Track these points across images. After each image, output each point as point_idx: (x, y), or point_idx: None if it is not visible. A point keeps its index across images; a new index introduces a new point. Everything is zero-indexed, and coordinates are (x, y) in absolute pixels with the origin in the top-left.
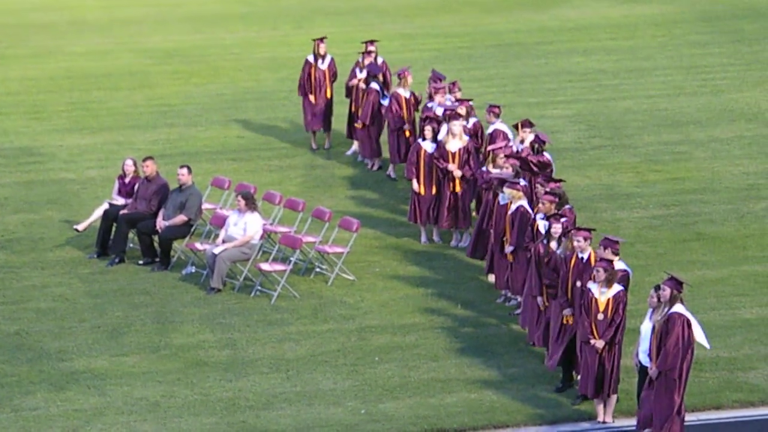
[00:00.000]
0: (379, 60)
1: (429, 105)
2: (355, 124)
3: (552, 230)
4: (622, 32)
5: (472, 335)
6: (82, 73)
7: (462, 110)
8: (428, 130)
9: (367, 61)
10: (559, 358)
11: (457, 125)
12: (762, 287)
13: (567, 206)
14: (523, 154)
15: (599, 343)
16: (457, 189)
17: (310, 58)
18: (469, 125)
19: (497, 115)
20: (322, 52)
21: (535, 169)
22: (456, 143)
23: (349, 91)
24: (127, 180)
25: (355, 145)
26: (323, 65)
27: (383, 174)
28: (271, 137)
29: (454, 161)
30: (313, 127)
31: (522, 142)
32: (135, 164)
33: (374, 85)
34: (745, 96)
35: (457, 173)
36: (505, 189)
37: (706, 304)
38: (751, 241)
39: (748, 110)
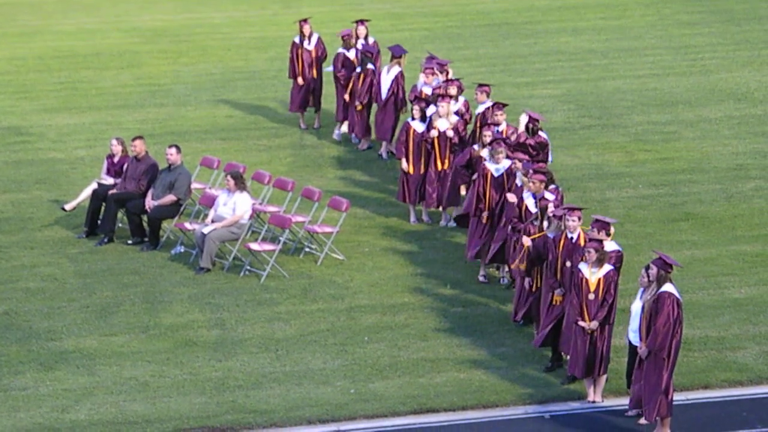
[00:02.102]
0: (371, 40)
1: (417, 85)
2: (356, 106)
3: (548, 210)
4: (611, 12)
5: (461, 315)
6: (70, 53)
7: (453, 90)
8: (417, 110)
9: (358, 41)
10: (547, 338)
11: (444, 105)
12: (750, 267)
13: (552, 186)
14: (521, 139)
15: (592, 325)
16: (444, 166)
17: (297, 40)
18: (460, 105)
19: (488, 95)
20: (306, 32)
21: (533, 152)
22: (444, 123)
23: (338, 77)
24: (115, 159)
25: (344, 126)
26: (310, 46)
27: (373, 154)
28: (260, 117)
29: (442, 141)
30: (299, 109)
31: (497, 125)
32: (122, 143)
33: (369, 66)
34: (734, 76)
35: (450, 132)
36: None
37: (694, 284)
38: (739, 221)
39: (737, 90)
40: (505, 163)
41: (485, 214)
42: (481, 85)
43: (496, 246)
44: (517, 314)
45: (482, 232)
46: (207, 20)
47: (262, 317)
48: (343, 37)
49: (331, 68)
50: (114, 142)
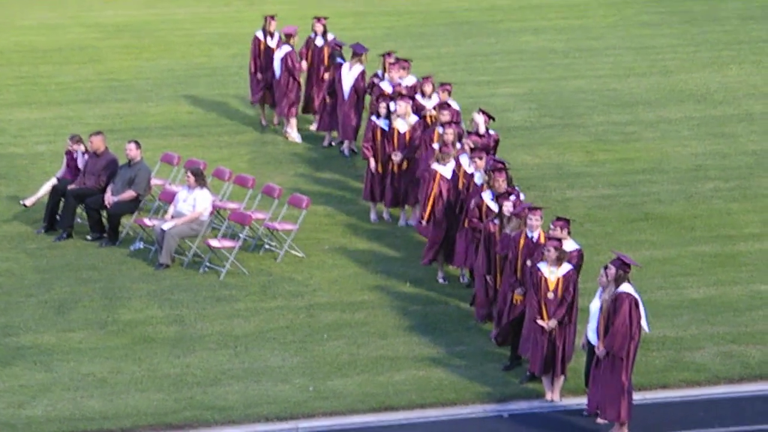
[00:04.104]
0: (330, 36)
1: (377, 82)
2: (326, 99)
3: (504, 209)
4: (572, 11)
5: (420, 313)
6: (31, 47)
7: (428, 87)
8: (382, 107)
9: (316, 37)
10: (507, 336)
11: (402, 105)
12: (709, 267)
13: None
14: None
15: (551, 323)
16: (403, 166)
17: (259, 35)
18: (433, 103)
19: (449, 93)
20: (272, 29)
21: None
22: (403, 124)
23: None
24: (76, 156)
25: (314, 126)
26: (272, 42)
27: (334, 151)
28: (221, 113)
29: (401, 141)
30: (259, 101)
31: (458, 123)
32: (77, 141)
33: (340, 60)
34: (694, 77)
35: (395, 157)
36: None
37: (653, 284)
38: (698, 222)
39: (697, 91)
40: (466, 162)
41: (426, 216)
42: (443, 84)
43: (462, 248)
44: (482, 315)
45: (439, 237)
46: (170, 16)
47: (221, 314)
48: (287, 34)
49: (341, 60)
50: (69, 142)
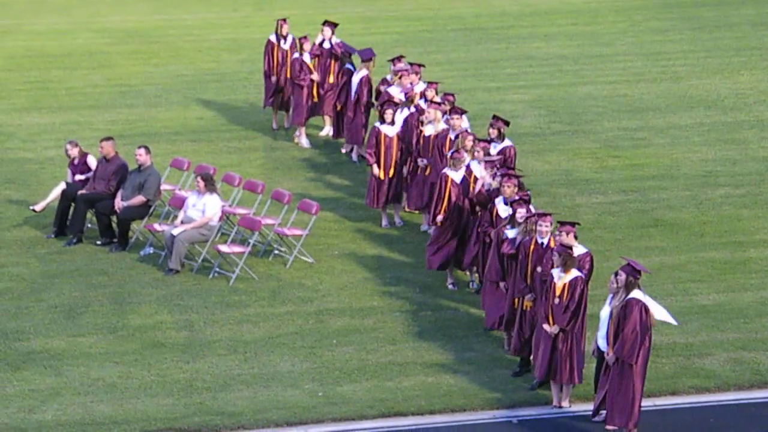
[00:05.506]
0: (336, 40)
1: (384, 87)
2: (335, 106)
3: (517, 215)
4: (583, 18)
5: (430, 319)
6: (41, 52)
7: (431, 93)
8: (388, 114)
9: (324, 42)
10: (521, 345)
11: (432, 112)
12: (719, 274)
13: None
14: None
15: (554, 329)
16: (427, 172)
17: (273, 38)
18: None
19: (452, 104)
20: (284, 32)
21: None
22: (431, 129)
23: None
24: (76, 162)
25: (326, 129)
26: (285, 45)
27: (344, 156)
28: (231, 119)
29: (426, 145)
30: (271, 105)
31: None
32: (76, 144)
33: (349, 66)
34: (704, 83)
35: (421, 163)
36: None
37: (663, 290)
38: (708, 228)
39: (708, 97)
40: (477, 169)
41: (439, 218)
42: (446, 94)
43: (474, 250)
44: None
45: (445, 240)
46: (179, 21)
47: (230, 319)
48: (298, 39)
49: (350, 66)
50: (68, 146)
